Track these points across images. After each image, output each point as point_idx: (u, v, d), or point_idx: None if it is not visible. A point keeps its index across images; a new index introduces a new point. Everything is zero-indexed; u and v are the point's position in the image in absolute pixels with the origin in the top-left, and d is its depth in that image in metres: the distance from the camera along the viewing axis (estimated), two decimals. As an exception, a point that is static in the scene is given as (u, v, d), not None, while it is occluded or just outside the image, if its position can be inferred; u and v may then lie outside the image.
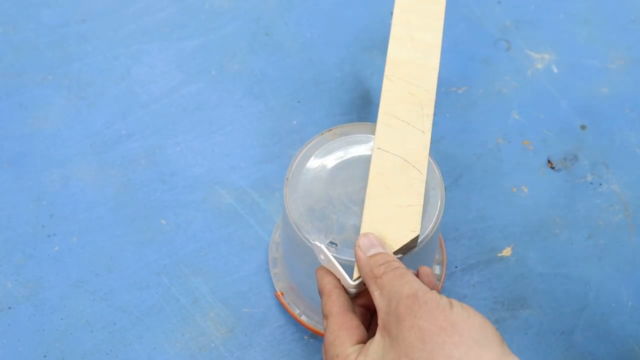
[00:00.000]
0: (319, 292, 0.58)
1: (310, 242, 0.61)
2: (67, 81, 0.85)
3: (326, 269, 0.59)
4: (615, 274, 0.76)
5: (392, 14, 0.69)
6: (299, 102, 0.84)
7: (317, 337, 0.73)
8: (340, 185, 0.65)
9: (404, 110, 0.64)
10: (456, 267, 0.76)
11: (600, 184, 0.81)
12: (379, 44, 0.89)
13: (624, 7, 0.93)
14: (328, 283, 0.58)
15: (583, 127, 0.85)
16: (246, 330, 0.73)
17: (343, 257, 0.61)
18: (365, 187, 0.62)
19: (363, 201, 0.61)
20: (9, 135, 0.81)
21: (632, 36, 0.91)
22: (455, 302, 0.52)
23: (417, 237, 0.60)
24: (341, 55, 0.88)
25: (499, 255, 0.77)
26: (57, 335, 0.71)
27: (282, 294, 0.73)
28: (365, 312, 0.58)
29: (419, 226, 0.60)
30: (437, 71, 0.66)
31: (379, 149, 0.63)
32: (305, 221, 0.63)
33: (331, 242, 0.62)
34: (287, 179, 0.65)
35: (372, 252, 0.56)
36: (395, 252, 0.59)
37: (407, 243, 0.59)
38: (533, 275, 0.76)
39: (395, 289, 0.53)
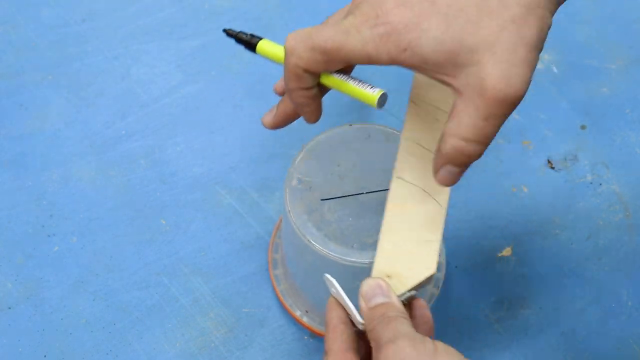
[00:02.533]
0: (325, 325, 0.56)
1: (310, 241, 0.61)
2: (67, 81, 0.85)
3: (337, 301, 0.56)
4: (615, 274, 0.76)
5: None
6: (299, 102, 0.84)
7: (317, 337, 0.73)
8: (340, 185, 0.65)
9: (429, 138, 0.59)
10: (456, 267, 0.76)
11: (600, 184, 0.81)
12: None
13: (624, 7, 0.93)
14: (335, 317, 0.55)
15: (583, 127, 0.85)
16: (246, 330, 0.73)
17: (348, 258, 0.61)
18: (365, 188, 0.62)
19: (361, 202, 0.61)
20: (9, 135, 0.81)
21: (632, 36, 0.91)
22: (440, 346, 0.49)
23: (432, 276, 0.56)
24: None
25: (499, 255, 0.77)
26: (57, 335, 0.71)
27: (294, 312, 0.72)
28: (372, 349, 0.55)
29: (435, 264, 0.56)
30: None
31: (399, 178, 0.59)
32: (306, 222, 0.63)
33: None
34: (287, 180, 0.65)
35: (373, 302, 0.53)
36: (409, 290, 0.56)
37: (422, 281, 0.56)
38: (533, 275, 0.76)
39: (378, 336, 0.51)
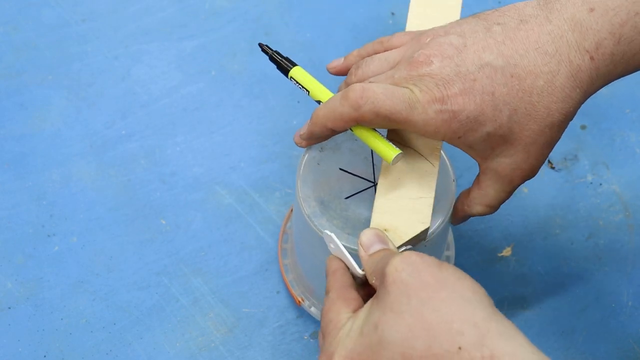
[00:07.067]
0: (325, 275, 0.58)
1: (321, 231, 0.61)
2: (67, 81, 0.85)
3: (337, 257, 0.59)
4: (615, 274, 0.76)
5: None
6: (299, 102, 0.85)
7: (317, 337, 0.73)
8: (351, 177, 0.65)
9: None
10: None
11: (600, 184, 0.81)
12: (379, 44, 0.89)
13: (624, 7, 0.93)
14: (334, 265, 0.58)
15: (583, 127, 0.85)
16: (246, 330, 0.73)
17: (353, 247, 0.61)
18: (375, 179, 0.62)
19: (373, 193, 0.61)
20: (9, 135, 0.81)
21: (632, 36, 0.91)
22: (447, 264, 0.51)
23: (427, 229, 0.60)
24: (341, 55, 0.88)
25: (499, 255, 0.77)
26: (57, 335, 0.72)
27: (302, 300, 0.72)
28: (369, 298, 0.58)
29: (429, 218, 0.59)
30: None
31: (393, 140, 0.63)
32: (317, 214, 0.63)
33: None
34: (299, 169, 0.65)
35: (372, 249, 0.56)
36: (405, 244, 0.59)
37: (417, 235, 0.59)
38: (533, 275, 0.76)
39: (382, 267, 0.52)
